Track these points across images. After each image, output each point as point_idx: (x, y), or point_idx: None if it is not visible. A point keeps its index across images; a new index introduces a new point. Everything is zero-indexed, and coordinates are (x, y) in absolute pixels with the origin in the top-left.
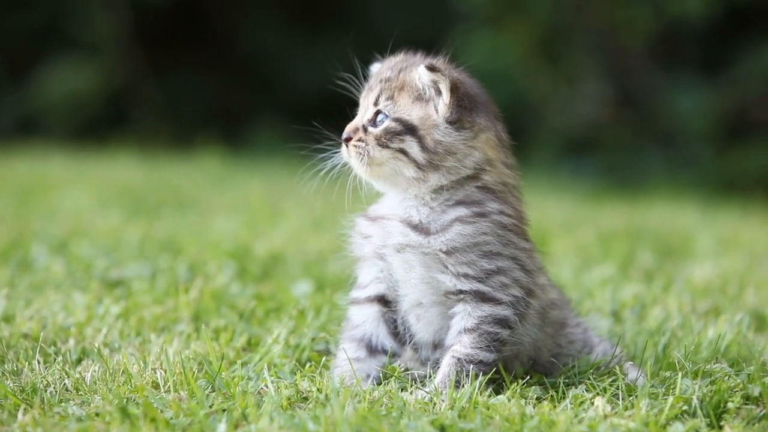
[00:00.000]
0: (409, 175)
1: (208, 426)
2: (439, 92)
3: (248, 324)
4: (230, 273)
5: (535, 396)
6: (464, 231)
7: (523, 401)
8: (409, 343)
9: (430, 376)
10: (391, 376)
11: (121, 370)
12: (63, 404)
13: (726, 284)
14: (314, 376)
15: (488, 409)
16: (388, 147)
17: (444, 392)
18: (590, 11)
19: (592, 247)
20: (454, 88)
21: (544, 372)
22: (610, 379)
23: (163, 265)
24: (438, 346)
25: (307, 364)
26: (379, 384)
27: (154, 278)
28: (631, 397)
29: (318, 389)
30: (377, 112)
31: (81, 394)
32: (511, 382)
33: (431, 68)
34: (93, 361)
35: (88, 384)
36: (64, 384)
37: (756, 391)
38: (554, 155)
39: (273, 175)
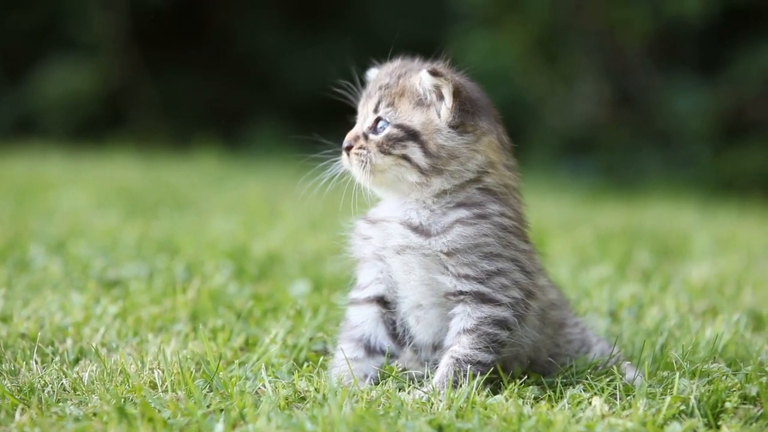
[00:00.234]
0: (411, 180)
1: (206, 426)
2: (440, 97)
3: (246, 324)
4: (228, 273)
5: (533, 396)
6: (465, 232)
7: (520, 401)
8: (409, 344)
9: (428, 377)
10: (389, 376)
11: (118, 370)
12: (60, 404)
13: (723, 284)
14: (312, 376)
15: (486, 408)
16: (390, 154)
17: (442, 392)
18: (588, 11)
19: (589, 247)
20: (457, 93)
21: (542, 372)
22: (608, 379)
23: (161, 265)
24: (438, 347)
25: (305, 364)
26: (376, 384)
27: (151, 278)
28: (628, 397)
29: (315, 389)
30: (378, 120)
31: (78, 394)
32: (508, 382)
33: (434, 73)
34: (90, 361)
35: (85, 384)
36: (62, 384)
37: (753, 390)
38: (552, 155)
39: (271, 176)
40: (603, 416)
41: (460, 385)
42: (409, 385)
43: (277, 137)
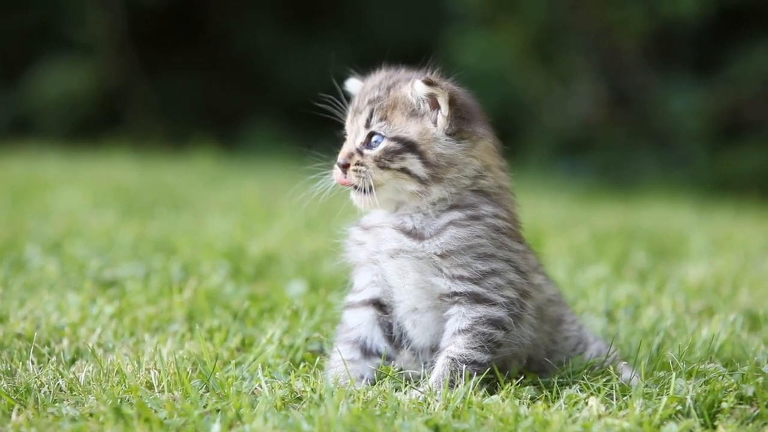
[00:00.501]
0: (411, 189)
1: (202, 426)
2: (434, 106)
3: (242, 324)
4: (224, 273)
5: (529, 396)
6: (458, 234)
7: (517, 401)
8: (407, 348)
9: (424, 377)
10: (386, 376)
11: (115, 371)
12: (57, 404)
13: (720, 284)
14: (308, 377)
15: (482, 409)
16: (389, 168)
17: (438, 392)
18: (584, 11)
19: (586, 247)
20: (452, 100)
21: (539, 370)
22: (604, 379)
23: (157, 265)
24: (435, 350)
25: (301, 364)
26: (373, 385)
27: (147, 278)
28: (625, 397)
29: (312, 389)
30: (371, 134)
31: (75, 395)
32: (505, 382)
33: (428, 83)
34: (87, 362)
35: (82, 384)
36: (58, 384)
37: (750, 390)
38: (548, 155)
39: (267, 175)
40: (599, 416)
41: (457, 385)
42: (406, 386)
43: (273, 137)
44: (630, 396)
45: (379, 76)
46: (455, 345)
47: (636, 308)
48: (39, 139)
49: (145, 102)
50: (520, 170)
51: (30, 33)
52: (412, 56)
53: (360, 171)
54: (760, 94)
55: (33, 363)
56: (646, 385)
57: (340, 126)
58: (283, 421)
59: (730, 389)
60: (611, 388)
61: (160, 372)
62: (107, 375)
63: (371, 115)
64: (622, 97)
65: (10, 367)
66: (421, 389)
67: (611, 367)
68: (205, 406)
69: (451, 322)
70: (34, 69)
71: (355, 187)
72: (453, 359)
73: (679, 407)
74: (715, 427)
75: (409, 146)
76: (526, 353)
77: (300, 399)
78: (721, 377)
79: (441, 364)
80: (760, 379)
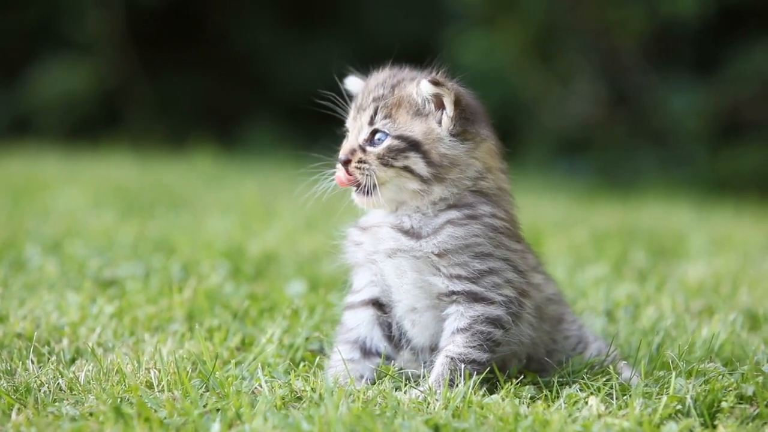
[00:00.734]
0: (412, 188)
1: (202, 426)
2: (439, 106)
3: (242, 323)
4: (224, 272)
5: (529, 395)
6: (456, 233)
7: (517, 401)
8: (407, 347)
9: (424, 376)
10: (385, 376)
11: (114, 370)
12: (57, 404)
13: (719, 284)
14: (308, 376)
15: (482, 408)
16: (392, 166)
17: (438, 392)
18: (583, 11)
19: (585, 246)
20: (457, 101)
21: (539, 369)
22: (604, 379)
23: (157, 265)
24: (435, 349)
25: (301, 364)
26: (373, 384)
27: (147, 278)
28: (624, 397)
29: (312, 389)
30: (374, 132)
31: (75, 394)
32: (504, 382)
33: (435, 83)
34: (87, 361)
35: (81, 384)
36: (58, 384)
37: (750, 390)
38: (548, 155)
39: (266, 175)
40: (599, 416)
41: (457, 385)
42: (406, 385)
43: (272, 137)
44: (630, 395)
45: (383, 74)
46: (454, 344)
47: (636, 308)
48: (38, 139)
49: (145, 102)
50: (520, 170)
51: (29, 32)
52: (411, 56)
53: (363, 168)
54: (759, 94)
55: (33, 362)
56: (646, 385)
57: (340, 124)
58: (282, 420)
59: (730, 389)
60: (611, 388)
61: (160, 371)
62: (107, 374)
63: (375, 113)
64: (621, 97)
65: (10, 366)
66: (421, 388)
67: (611, 367)
68: (204, 406)
69: (449, 321)
70: (33, 69)
71: (357, 187)
72: (452, 358)
73: (679, 407)
74: (714, 427)
75: (414, 145)
76: (526, 352)
77: (300, 398)
78: (720, 377)
79: (440, 363)
80: (760, 379)
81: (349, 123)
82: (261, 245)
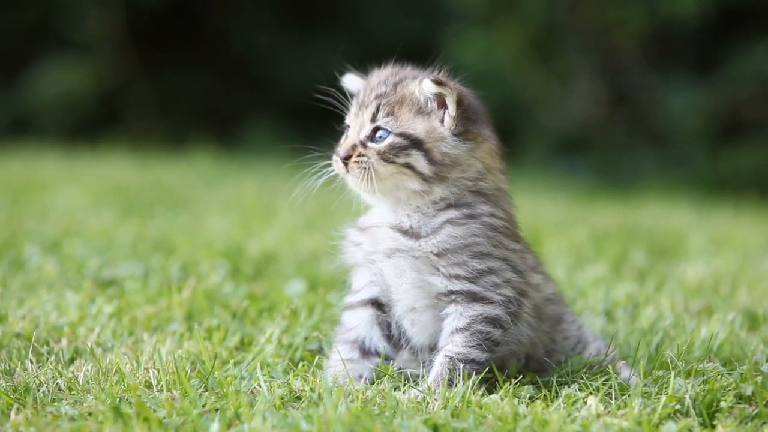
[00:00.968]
0: (412, 187)
1: (201, 425)
2: (441, 105)
3: (241, 323)
4: (223, 272)
5: (528, 395)
6: (455, 233)
7: (516, 400)
8: (406, 347)
9: (423, 376)
10: (385, 375)
11: (113, 370)
12: (56, 404)
13: (719, 283)
14: (307, 376)
15: (481, 408)
16: (393, 162)
17: (437, 391)
18: (583, 11)
19: (584, 246)
20: (460, 101)
21: (538, 369)
22: (603, 379)
23: (156, 265)
24: (434, 349)
25: (300, 364)
26: (372, 384)
27: (146, 278)
28: (623, 397)
29: (311, 388)
30: (376, 129)
31: (74, 394)
32: (504, 382)
33: (438, 82)
34: (86, 361)
35: (80, 383)
36: (57, 383)
37: (748, 390)
38: (547, 155)
39: (266, 175)
40: (598, 416)
41: (456, 384)
42: (405, 385)
43: (272, 137)
44: (629, 395)
45: (385, 72)
46: (453, 344)
47: (635, 307)
48: (38, 139)
49: (144, 101)
50: (519, 170)
51: (29, 32)
52: (411, 56)
53: (362, 162)
54: (758, 94)
55: (32, 362)
56: (645, 385)
57: (340, 120)
58: (281, 420)
59: (729, 388)
60: (610, 388)
61: (159, 371)
62: (106, 374)
63: (378, 110)
64: (621, 97)
65: (9, 366)
66: (420, 388)
67: (610, 367)
68: (203, 406)
69: (448, 321)
70: (33, 68)
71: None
72: (451, 358)
73: (678, 406)
74: (713, 427)
75: (416, 143)
76: (525, 352)
77: (299, 398)
78: (719, 376)
79: (439, 363)
80: (759, 379)
81: (350, 119)
82: (260, 245)
